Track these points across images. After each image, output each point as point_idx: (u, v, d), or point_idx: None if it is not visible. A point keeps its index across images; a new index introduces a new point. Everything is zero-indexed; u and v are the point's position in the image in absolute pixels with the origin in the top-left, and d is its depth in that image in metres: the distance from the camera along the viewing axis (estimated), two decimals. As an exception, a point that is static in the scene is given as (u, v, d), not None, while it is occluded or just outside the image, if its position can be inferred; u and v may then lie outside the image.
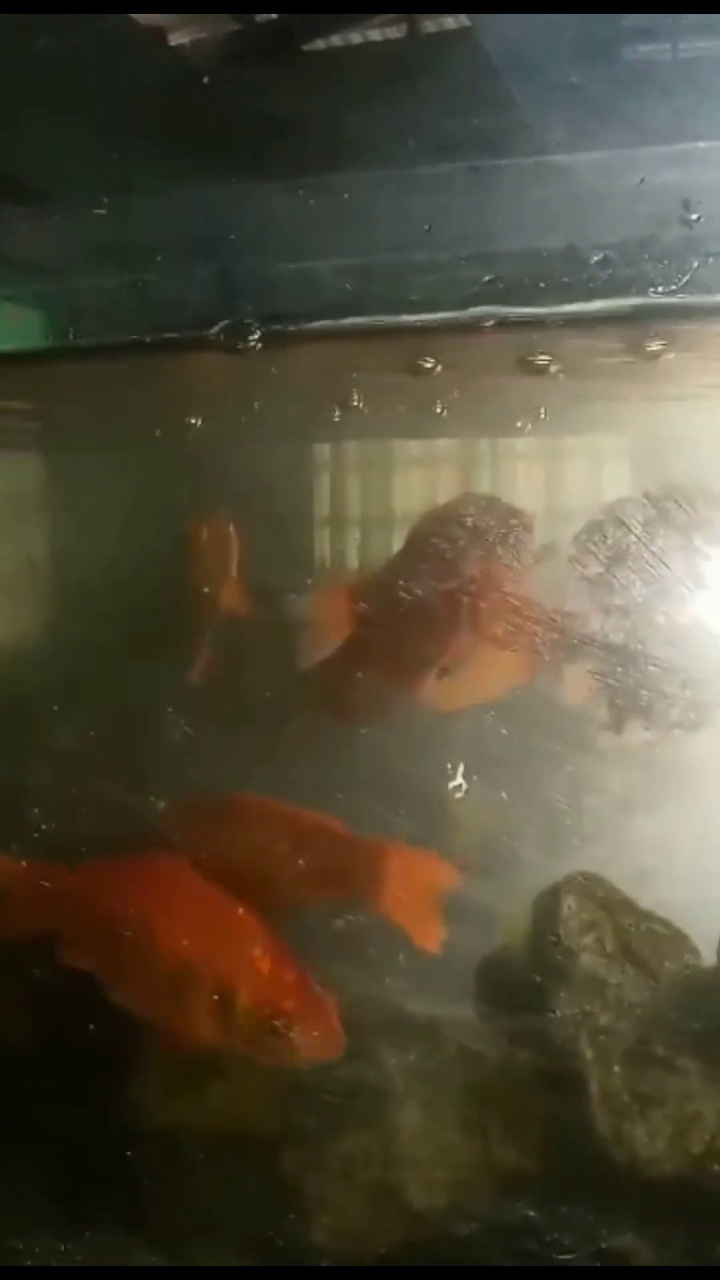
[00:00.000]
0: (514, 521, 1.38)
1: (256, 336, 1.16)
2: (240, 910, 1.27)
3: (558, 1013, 1.30)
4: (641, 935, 1.37)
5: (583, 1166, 1.21)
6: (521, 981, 1.33)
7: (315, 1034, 1.18)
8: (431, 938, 1.26)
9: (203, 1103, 1.32)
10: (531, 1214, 1.19)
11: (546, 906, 1.36)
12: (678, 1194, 1.19)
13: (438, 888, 1.29)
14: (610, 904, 1.37)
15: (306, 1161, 1.26)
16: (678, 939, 1.37)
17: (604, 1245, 1.17)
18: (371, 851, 1.32)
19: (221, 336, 1.16)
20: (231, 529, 1.53)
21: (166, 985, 1.23)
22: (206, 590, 1.53)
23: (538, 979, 1.33)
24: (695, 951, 1.36)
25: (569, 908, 1.36)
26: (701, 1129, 1.23)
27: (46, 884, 1.35)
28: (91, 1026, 1.29)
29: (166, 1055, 1.33)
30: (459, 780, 1.41)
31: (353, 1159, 1.25)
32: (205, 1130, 1.31)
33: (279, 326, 1.16)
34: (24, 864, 1.36)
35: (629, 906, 1.37)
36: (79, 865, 1.35)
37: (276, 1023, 1.17)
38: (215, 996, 1.19)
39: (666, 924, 1.37)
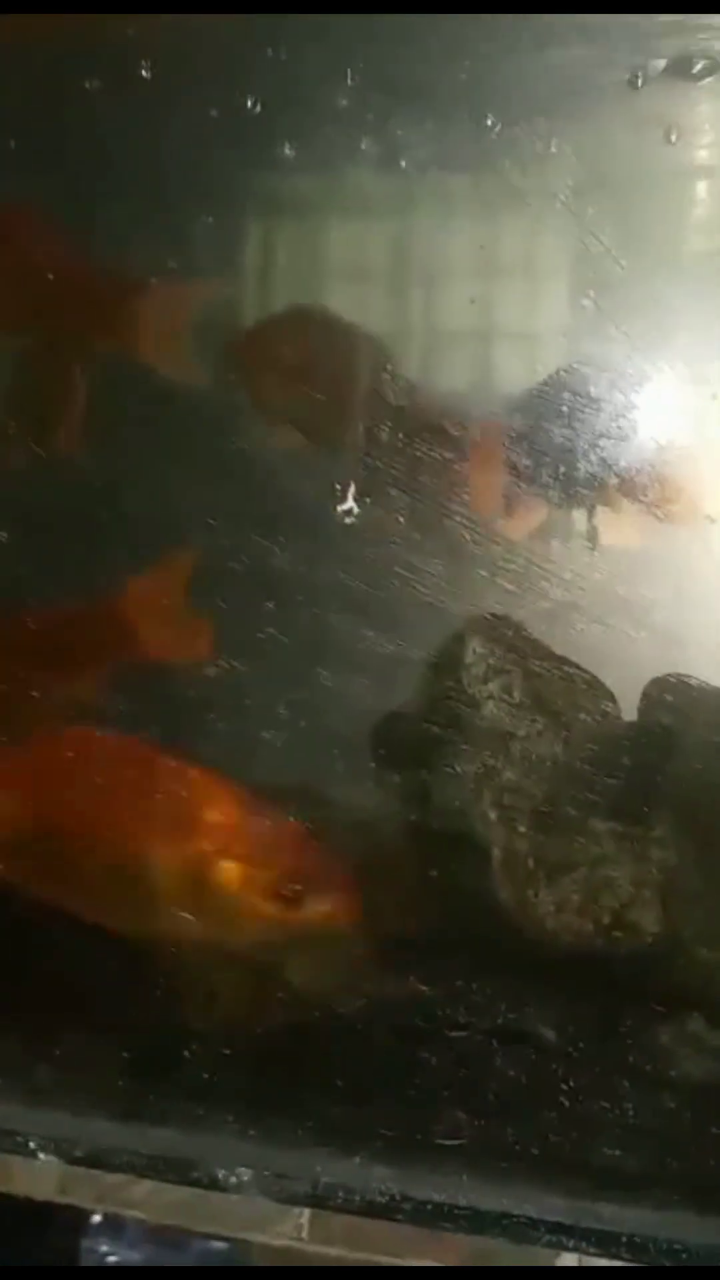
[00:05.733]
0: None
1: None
2: (180, 762, 1.06)
3: (457, 769, 1.15)
4: (555, 682, 1.20)
5: (481, 939, 1.09)
6: (419, 736, 1.16)
7: (333, 892, 1.03)
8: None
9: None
10: (424, 989, 1.07)
11: (449, 652, 1.18)
12: (585, 967, 1.09)
13: None
14: (520, 648, 1.19)
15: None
16: (595, 687, 1.20)
17: (500, 1021, 1.07)
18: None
19: None
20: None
21: (117, 879, 1.02)
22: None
23: (435, 732, 1.16)
24: (614, 701, 1.20)
25: (474, 652, 1.18)
26: (613, 896, 1.11)
27: None
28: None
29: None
30: (349, 504, 1.18)
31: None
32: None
33: None
34: None
35: (542, 650, 1.20)
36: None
37: (288, 888, 1.00)
38: (196, 880, 0.99)
39: (582, 670, 1.20)
